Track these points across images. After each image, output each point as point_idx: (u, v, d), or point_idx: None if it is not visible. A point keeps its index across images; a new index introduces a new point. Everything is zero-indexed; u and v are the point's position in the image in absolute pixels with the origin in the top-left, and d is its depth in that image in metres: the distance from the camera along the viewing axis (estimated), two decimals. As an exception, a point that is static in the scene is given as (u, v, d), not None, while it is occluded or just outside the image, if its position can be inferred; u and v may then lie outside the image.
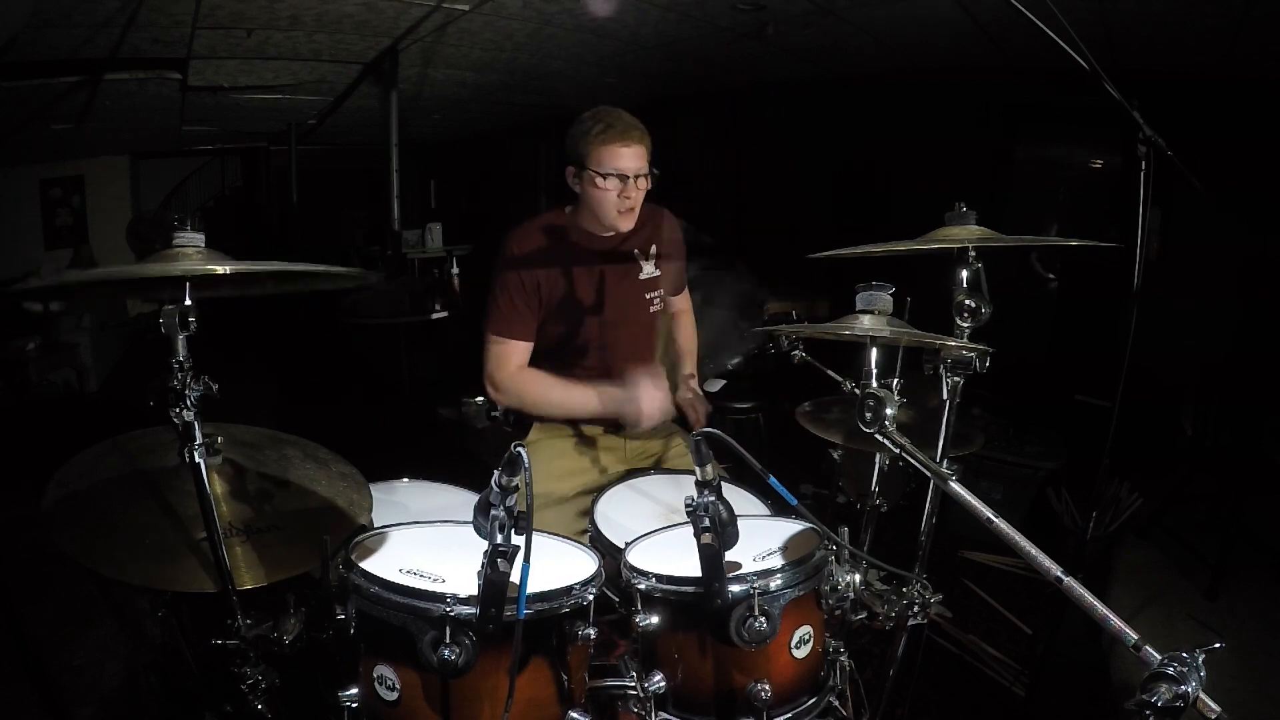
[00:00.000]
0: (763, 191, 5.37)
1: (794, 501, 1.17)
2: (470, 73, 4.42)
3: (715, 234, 1.83)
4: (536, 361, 1.81)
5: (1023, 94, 3.92)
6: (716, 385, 3.12)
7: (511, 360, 1.75)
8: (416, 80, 4.41)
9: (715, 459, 1.05)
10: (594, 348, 1.82)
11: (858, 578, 1.26)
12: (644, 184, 1.70)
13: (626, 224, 1.74)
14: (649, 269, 1.87)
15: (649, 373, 1.70)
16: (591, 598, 1.10)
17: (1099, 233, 1.21)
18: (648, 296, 1.87)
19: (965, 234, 1.25)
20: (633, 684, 1.18)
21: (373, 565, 1.11)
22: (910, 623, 1.28)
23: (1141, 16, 2.70)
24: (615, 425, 1.91)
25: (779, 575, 1.14)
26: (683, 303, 2.06)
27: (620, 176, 1.65)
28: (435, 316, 4.38)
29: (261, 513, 1.18)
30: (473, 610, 0.96)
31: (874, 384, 1.12)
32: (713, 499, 1.02)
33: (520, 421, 1.99)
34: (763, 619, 1.06)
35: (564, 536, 1.30)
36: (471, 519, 0.95)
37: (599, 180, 1.66)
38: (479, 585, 0.94)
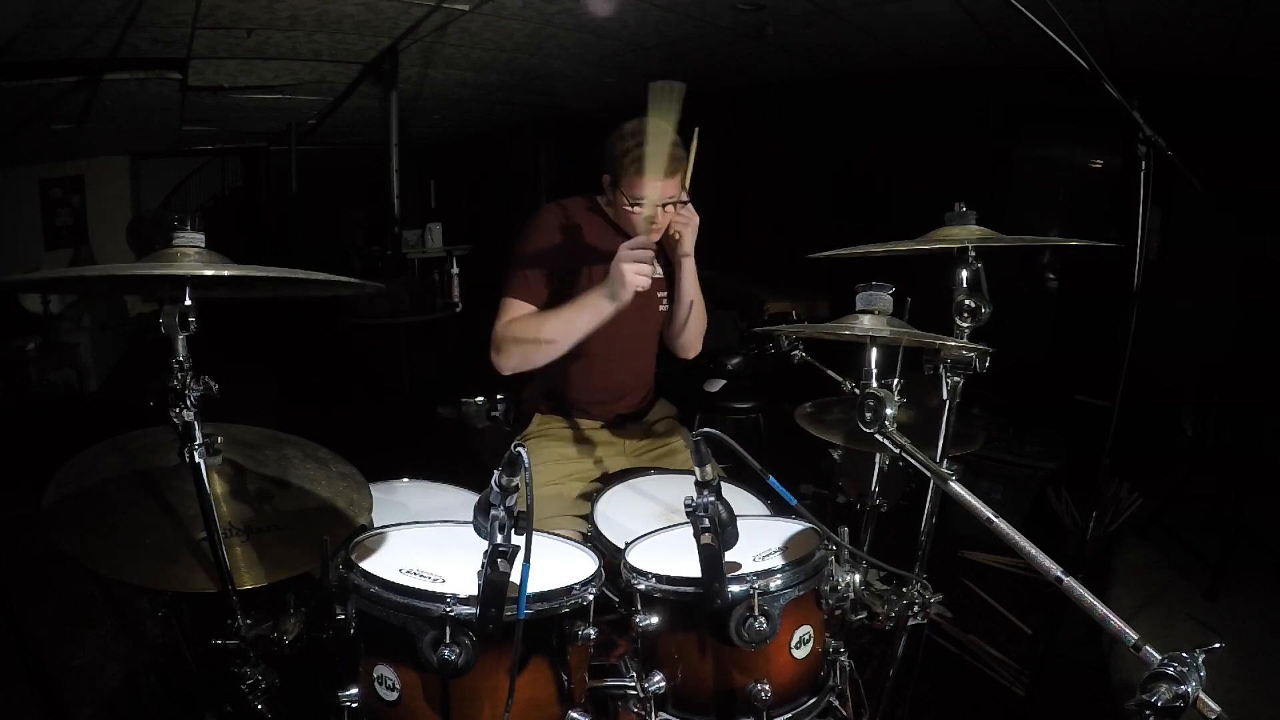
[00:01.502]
0: (763, 191, 5.37)
1: (794, 501, 1.17)
2: (470, 73, 4.42)
3: (715, 235, 1.80)
4: None
5: (1023, 94, 3.92)
6: (716, 385, 3.12)
7: (517, 319, 1.72)
8: (416, 80, 4.41)
9: (715, 459, 1.05)
10: (599, 339, 1.82)
11: (858, 578, 1.26)
12: (673, 209, 1.69)
13: (654, 237, 1.72)
14: (658, 267, 1.87)
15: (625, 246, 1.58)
16: (591, 598, 1.10)
17: (1099, 233, 1.21)
18: (658, 295, 1.87)
19: (965, 234, 1.25)
20: (633, 684, 1.18)
21: (373, 565, 1.11)
22: (910, 623, 1.28)
23: (1141, 16, 2.70)
24: (615, 422, 1.92)
25: (779, 575, 1.14)
26: None
27: (647, 203, 1.65)
28: (433, 317, 4.38)
29: (261, 513, 1.18)
30: (473, 610, 0.96)
31: (874, 384, 1.12)
32: (712, 499, 1.02)
33: (520, 415, 1.99)
34: (763, 619, 1.06)
35: (564, 537, 1.30)
36: (471, 519, 0.95)
37: (628, 204, 1.68)
38: (479, 585, 0.94)
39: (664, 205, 1.66)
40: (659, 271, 1.87)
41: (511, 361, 1.70)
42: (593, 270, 1.76)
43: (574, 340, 1.64)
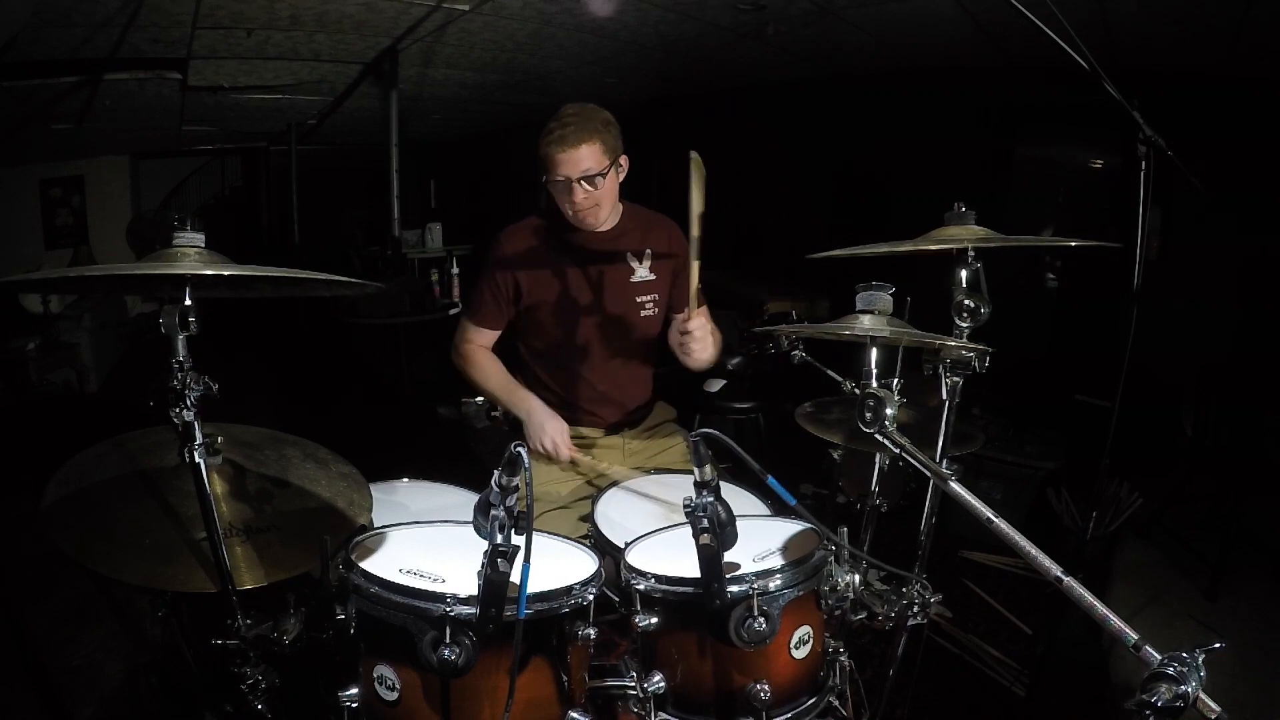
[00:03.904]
0: (762, 191, 5.37)
1: (794, 501, 1.17)
2: (470, 73, 4.42)
3: (715, 235, 1.79)
4: (531, 357, 1.88)
5: (1023, 94, 3.92)
6: (716, 385, 3.12)
7: (471, 339, 1.88)
8: (416, 80, 4.40)
9: (715, 459, 1.05)
10: (580, 346, 1.83)
11: (857, 578, 1.26)
12: (592, 186, 1.65)
13: (588, 222, 1.73)
14: (643, 272, 1.84)
15: (552, 411, 1.79)
16: (591, 598, 1.10)
17: (1099, 233, 1.21)
18: (639, 300, 1.84)
19: (965, 234, 1.25)
20: (633, 684, 1.18)
21: (373, 565, 1.11)
22: (910, 623, 1.28)
23: (1141, 16, 2.70)
24: (614, 428, 1.92)
25: (778, 575, 1.14)
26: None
27: (564, 181, 1.65)
28: (433, 317, 4.39)
29: (261, 513, 1.18)
30: (473, 610, 0.96)
31: (874, 384, 1.12)
32: (712, 499, 1.02)
33: (518, 420, 1.99)
34: (762, 619, 1.06)
35: (564, 536, 1.30)
36: (471, 519, 0.95)
37: (548, 184, 1.68)
38: (479, 585, 0.94)
39: (579, 181, 1.64)
40: (643, 275, 1.84)
41: (460, 371, 1.93)
42: (559, 279, 1.79)
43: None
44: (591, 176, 1.64)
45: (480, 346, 1.88)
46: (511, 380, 1.86)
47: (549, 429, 1.74)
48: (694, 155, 1.46)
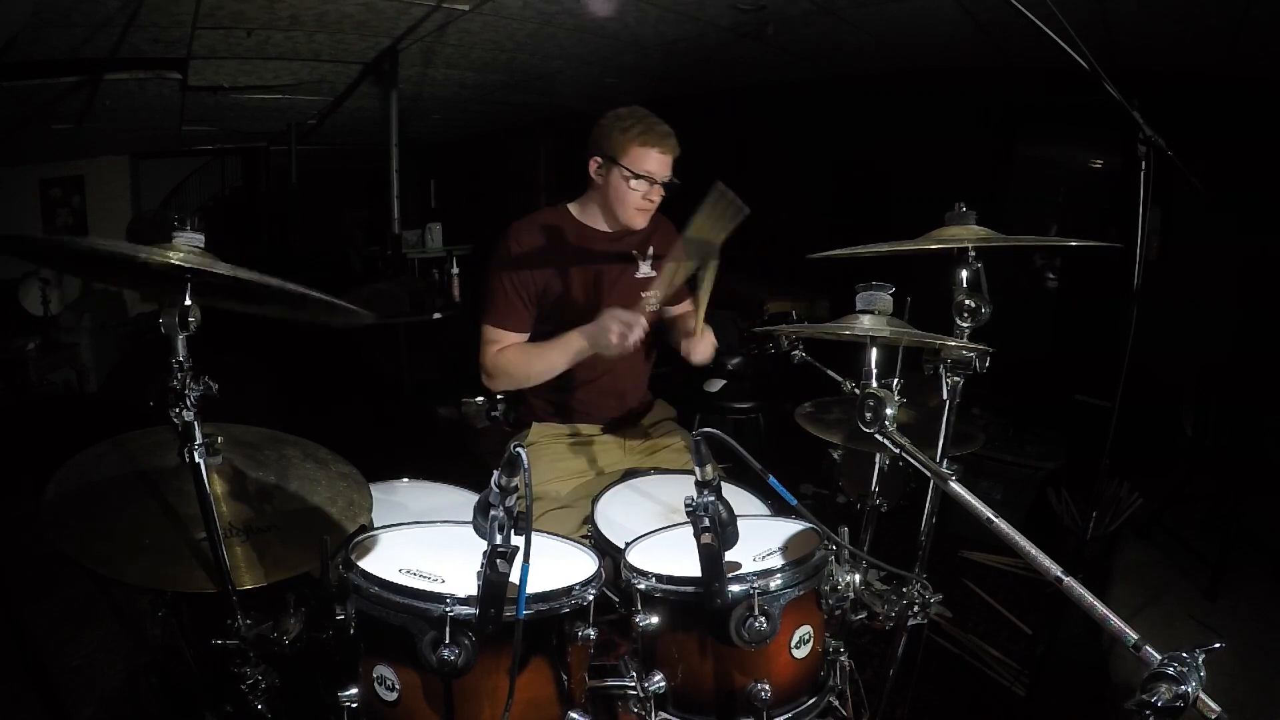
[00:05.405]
0: (763, 191, 5.37)
1: (794, 501, 1.17)
2: (470, 73, 4.42)
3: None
4: None
5: (1023, 94, 3.92)
6: (716, 385, 3.12)
7: (498, 342, 1.78)
8: (416, 80, 4.40)
9: (715, 459, 1.05)
10: None
11: (858, 578, 1.26)
12: (660, 194, 1.75)
13: (641, 222, 1.79)
14: (645, 269, 1.88)
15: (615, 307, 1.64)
16: (591, 598, 1.10)
17: (1099, 233, 1.21)
18: (644, 295, 1.85)
19: (965, 234, 1.25)
20: (633, 684, 1.18)
21: (372, 565, 1.11)
22: (910, 623, 1.28)
23: (1141, 16, 2.70)
24: (613, 425, 1.92)
25: (779, 575, 1.14)
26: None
27: (650, 180, 1.70)
28: (435, 317, 4.38)
29: (261, 513, 1.18)
30: (472, 610, 0.96)
31: (874, 384, 1.12)
32: (712, 499, 1.02)
33: (519, 420, 1.99)
34: (763, 619, 1.06)
35: (564, 536, 1.30)
36: (471, 519, 0.95)
37: (630, 180, 1.70)
38: (478, 585, 0.94)
39: (661, 184, 1.72)
40: (646, 272, 1.87)
41: (502, 386, 1.79)
42: (572, 276, 1.79)
43: (558, 373, 1.73)
44: (668, 184, 1.73)
45: (503, 349, 1.77)
46: (545, 344, 1.73)
47: (610, 326, 1.58)
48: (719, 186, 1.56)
